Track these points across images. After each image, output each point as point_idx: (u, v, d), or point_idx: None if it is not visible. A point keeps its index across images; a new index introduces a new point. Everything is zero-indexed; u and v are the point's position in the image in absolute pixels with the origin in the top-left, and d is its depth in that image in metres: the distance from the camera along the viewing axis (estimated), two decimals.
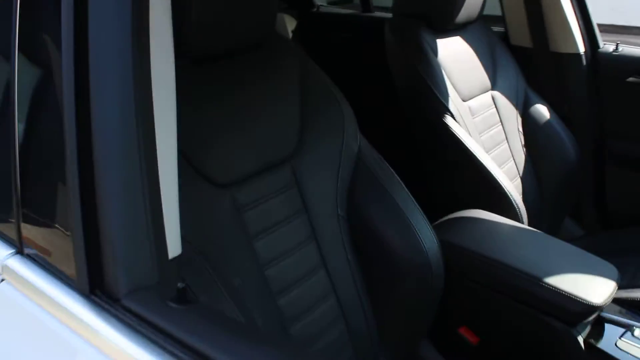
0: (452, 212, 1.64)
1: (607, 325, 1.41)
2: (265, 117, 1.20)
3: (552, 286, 1.34)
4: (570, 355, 1.34)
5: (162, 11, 0.79)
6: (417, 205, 1.36)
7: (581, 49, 2.11)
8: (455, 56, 1.85)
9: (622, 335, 1.39)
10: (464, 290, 1.45)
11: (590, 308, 1.31)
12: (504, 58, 2.03)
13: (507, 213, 1.70)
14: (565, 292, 1.32)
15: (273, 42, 1.28)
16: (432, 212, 1.43)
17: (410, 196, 1.35)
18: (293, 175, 1.24)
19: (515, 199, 1.71)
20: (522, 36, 2.15)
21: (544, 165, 2.04)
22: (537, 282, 1.35)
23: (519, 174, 1.99)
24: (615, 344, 1.37)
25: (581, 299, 1.31)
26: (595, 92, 2.16)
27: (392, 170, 1.36)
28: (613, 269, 1.45)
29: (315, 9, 2.90)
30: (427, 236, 1.33)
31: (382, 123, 2.06)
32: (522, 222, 1.73)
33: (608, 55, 2.13)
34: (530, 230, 1.59)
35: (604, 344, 1.38)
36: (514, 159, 1.99)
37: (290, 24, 2.79)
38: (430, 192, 1.92)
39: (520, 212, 1.72)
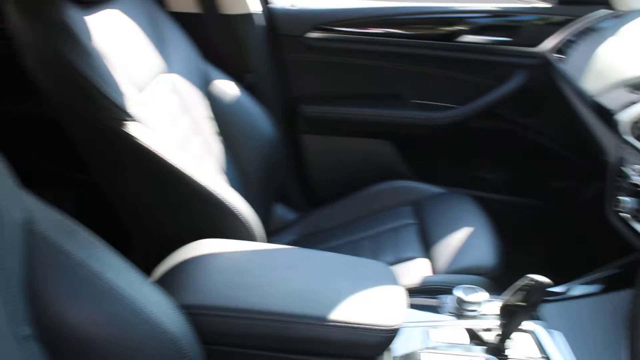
0: (161, 254, 1.18)
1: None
2: None
3: (338, 322, 1.00)
4: None
5: None
6: (137, 271, 0.88)
7: (252, 7, 1.78)
8: (116, 36, 1.35)
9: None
10: None
11: (391, 333, 1.02)
12: (171, 30, 1.58)
13: (237, 233, 1.31)
14: (356, 324, 1.00)
15: None
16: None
17: (125, 261, 0.87)
18: None
19: (242, 211, 1.32)
20: (182, 0, 1.73)
21: (242, 151, 1.69)
22: (317, 323, 1.00)
23: (221, 168, 1.60)
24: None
25: (379, 326, 1.01)
26: (276, 54, 1.88)
27: (86, 231, 0.85)
28: (387, 269, 1.18)
29: None
30: (166, 314, 0.87)
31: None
32: (256, 237, 1.35)
33: (282, 12, 1.86)
34: (278, 249, 1.22)
35: None
36: (211, 153, 1.59)
37: None
38: (123, 230, 1.41)
39: (250, 225, 1.33)
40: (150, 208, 1.36)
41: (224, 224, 1.31)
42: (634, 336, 0.80)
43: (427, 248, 1.58)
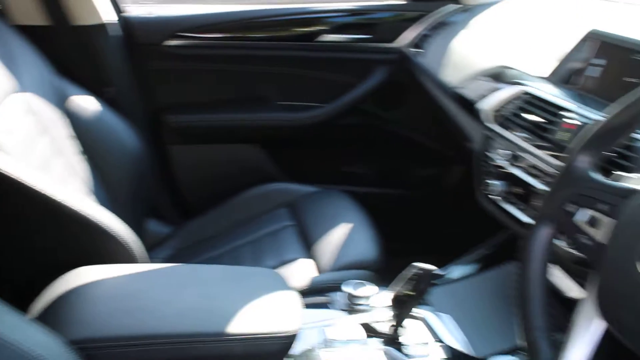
0: (35, 287, 1.10)
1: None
2: None
3: (238, 335, 0.98)
4: None
5: None
6: (15, 310, 0.81)
7: (106, 17, 1.70)
8: None
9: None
10: None
11: (290, 338, 1.02)
12: (19, 46, 1.47)
13: (116, 254, 1.24)
14: (256, 335, 0.99)
15: None
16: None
17: (0, 303, 0.80)
18: None
19: (119, 231, 1.25)
20: (28, 12, 1.61)
21: (107, 167, 1.60)
22: (216, 340, 0.98)
23: (88, 189, 1.52)
24: None
25: (278, 333, 1.01)
26: (135, 64, 1.81)
27: None
28: (277, 275, 1.18)
29: None
30: (55, 354, 0.81)
31: None
32: (137, 257, 1.29)
33: (138, 20, 1.79)
34: (163, 268, 1.17)
35: None
36: (76, 174, 1.49)
37: None
38: None
39: (130, 245, 1.27)
40: (18, 238, 1.26)
41: (101, 247, 1.23)
42: (525, 307, 0.85)
43: (308, 248, 1.59)
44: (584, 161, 0.85)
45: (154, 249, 1.80)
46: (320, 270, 1.51)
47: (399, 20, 1.97)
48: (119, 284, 1.10)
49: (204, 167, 2.02)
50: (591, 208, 0.80)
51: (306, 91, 2.02)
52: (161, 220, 1.95)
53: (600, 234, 0.78)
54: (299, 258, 1.55)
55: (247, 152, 2.03)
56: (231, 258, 1.62)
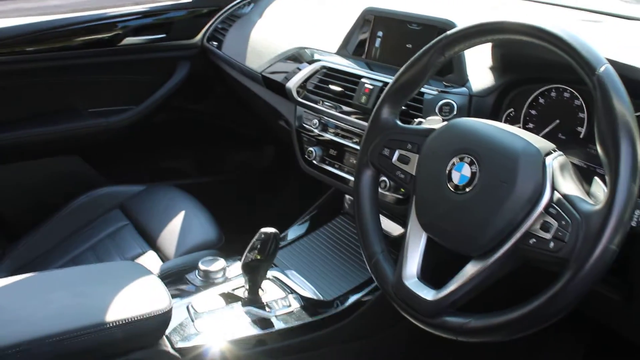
0: None
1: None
2: None
3: (117, 322, 1.05)
4: None
5: None
6: None
7: None
8: None
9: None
10: None
11: (166, 315, 1.11)
12: None
13: None
14: (134, 318, 1.07)
15: None
16: None
17: None
18: None
19: None
20: None
21: None
22: (97, 330, 1.04)
23: None
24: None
25: (154, 312, 1.10)
26: None
27: None
28: (136, 264, 1.27)
29: None
30: None
31: None
32: None
33: None
34: (20, 279, 1.18)
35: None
36: None
37: None
38: None
39: None
40: None
41: None
42: (364, 237, 1.02)
43: (150, 242, 1.65)
44: (387, 113, 1.05)
45: None
46: (166, 259, 1.58)
47: (193, 17, 2.07)
48: None
49: (23, 185, 1.96)
50: (402, 149, 1.00)
51: (116, 95, 2.04)
52: None
53: (411, 168, 0.99)
54: (144, 252, 1.61)
55: (66, 164, 2.01)
56: (76, 266, 1.63)
